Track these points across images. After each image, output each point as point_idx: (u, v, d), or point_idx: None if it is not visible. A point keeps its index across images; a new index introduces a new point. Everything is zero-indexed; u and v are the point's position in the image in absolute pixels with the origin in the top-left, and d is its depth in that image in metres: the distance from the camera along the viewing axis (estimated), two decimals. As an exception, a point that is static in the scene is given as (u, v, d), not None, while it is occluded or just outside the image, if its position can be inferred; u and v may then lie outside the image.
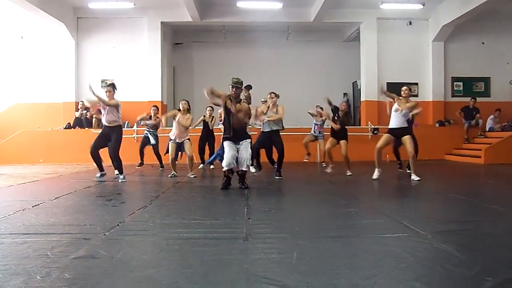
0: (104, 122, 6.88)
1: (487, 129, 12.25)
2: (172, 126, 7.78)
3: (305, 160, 9.42)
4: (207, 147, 9.52)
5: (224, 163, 5.77)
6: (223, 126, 6.02)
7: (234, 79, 5.86)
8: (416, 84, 12.75)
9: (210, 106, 9.24)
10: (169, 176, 7.48)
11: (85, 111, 11.81)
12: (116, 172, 7.28)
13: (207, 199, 5.22)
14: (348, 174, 7.51)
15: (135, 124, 11.34)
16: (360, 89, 13.29)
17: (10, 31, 12.57)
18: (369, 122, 12.19)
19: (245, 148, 5.78)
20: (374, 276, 2.31)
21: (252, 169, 8.19)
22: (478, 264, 2.50)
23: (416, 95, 12.53)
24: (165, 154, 8.26)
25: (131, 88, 12.22)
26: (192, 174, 7.50)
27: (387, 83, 12.13)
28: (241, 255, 2.69)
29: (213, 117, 9.47)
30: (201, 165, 9.34)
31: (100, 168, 7.01)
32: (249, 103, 8.60)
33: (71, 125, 11.97)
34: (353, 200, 5.14)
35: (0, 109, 12.64)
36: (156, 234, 3.38)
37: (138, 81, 12.43)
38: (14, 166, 10.26)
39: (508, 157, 10.32)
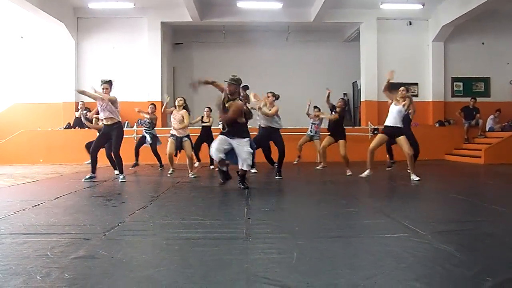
0: (103, 121, 6.87)
1: (487, 129, 12.25)
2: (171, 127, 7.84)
3: (294, 163, 9.41)
4: (206, 147, 9.50)
5: (210, 151, 5.85)
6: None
7: (230, 76, 5.86)
8: (416, 84, 12.76)
9: (208, 107, 9.25)
10: (168, 173, 7.48)
11: (85, 111, 11.80)
12: (116, 172, 7.27)
13: (207, 199, 5.22)
14: (348, 174, 7.51)
15: (135, 124, 11.35)
16: (360, 89, 13.29)
17: (10, 31, 12.56)
18: (369, 122, 12.19)
19: (243, 148, 5.68)
20: (374, 276, 2.31)
21: (253, 170, 8.19)
22: (478, 264, 2.50)
23: (416, 95, 12.54)
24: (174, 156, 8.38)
25: (131, 88, 12.23)
26: (193, 174, 7.50)
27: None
28: (241, 255, 2.69)
29: (211, 117, 9.42)
30: (197, 163, 9.32)
31: (93, 170, 6.92)
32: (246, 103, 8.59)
33: (71, 125, 11.97)
34: (353, 200, 5.14)
35: (0, 109, 12.65)
36: (156, 234, 3.39)
37: (138, 81, 12.43)
38: (14, 166, 10.26)
39: (508, 157, 10.32)
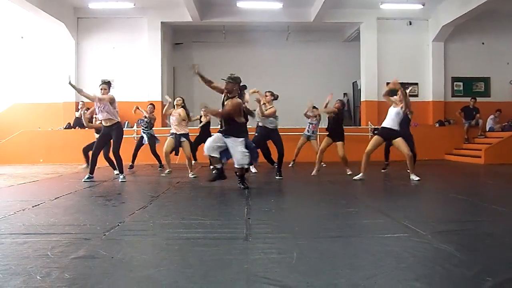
0: (102, 122, 6.86)
1: (487, 129, 12.25)
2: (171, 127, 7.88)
3: (290, 166, 9.38)
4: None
5: (204, 148, 5.79)
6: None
7: (228, 75, 5.83)
8: (416, 84, 12.75)
9: (206, 106, 9.22)
10: (164, 173, 7.47)
11: (85, 111, 11.79)
12: (116, 172, 7.27)
13: (207, 199, 5.22)
14: (348, 173, 7.50)
15: (135, 124, 11.35)
16: (360, 89, 13.29)
17: (10, 31, 12.57)
18: (369, 122, 12.19)
19: (237, 148, 5.59)
20: (374, 276, 2.31)
21: (253, 169, 8.19)
22: (478, 264, 2.50)
23: (416, 95, 12.56)
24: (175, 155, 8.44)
25: (131, 88, 12.24)
26: (193, 174, 7.50)
27: (387, 83, 12.12)
28: (241, 255, 2.69)
29: (208, 116, 9.39)
30: (193, 161, 9.30)
31: (92, 170, 6.91)
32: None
33: (71, 125, 11.98)
34: (353, 200, 5.14)
35: (0, 109, 12.65)
36: (156, 234, 3.39)
37: (138, 81, 12.43)
38: (14, 166, 10.26)
39: (508, 157, 10.32)
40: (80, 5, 11.82)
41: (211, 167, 9.06)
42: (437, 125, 12.58)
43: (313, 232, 3.41)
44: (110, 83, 7.00)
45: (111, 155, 7.21)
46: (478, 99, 12.42)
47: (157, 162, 9.17)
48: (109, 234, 3.26)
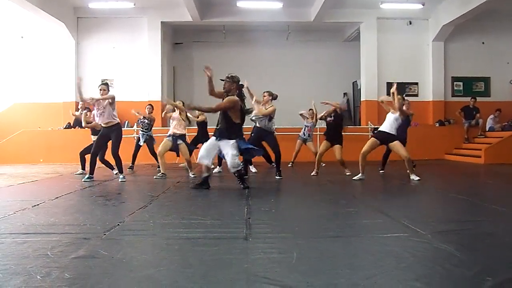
0: (101, 123, 6.86)
1: (487, 129, 12.25)
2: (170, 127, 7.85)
3: (289, 165, 9.38)
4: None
5: (199, 155, 5.78)
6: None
7: (226, 75, 5.79)
8: (416, 84, 12.77)
9: (190, 103, 9.23)
10: (158, 175, 7.30)
11: (85, 111, 11.78)
12: (116, 171, 7.27)
13: (207, 199, 5.21)
14: (347, 173, 7.49)
15: (135, 124, 11.34)
16: (360, 89, 13.29)
17: (10, 31, 12.57)
18: (369, 122, 12.19)
19: (228, 151, 5.55)
20: (374, 276, 2.31)
21: (253, 169, 8.20)
22: (478, 264, 2.50)
23: (416, 95, 12.57)
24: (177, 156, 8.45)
25: (131, 88, 12.24)
26: (193, 174, 7.50)
27: (387, 83, 12.17)
28: (241, 255, 2.69)
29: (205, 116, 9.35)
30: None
31: (91, 171, 6.91)
32: None
33: (71, 125, 11.97)
34: (352, 200, 5.14)
35: (0, 109, 12.65)
36: (156, 234, 3.38)
37: (138, 81, 12.43)
38: (14, 166, 10.26)
39: (508, 157, 10.32)
40: (80, 4, 11.83)
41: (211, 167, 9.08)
42: (437, 125, 12.58)
43: (313, 232, 3.41)
44: (108, 84, 7.07)
45: (107, 157, 7.26)
46: (478, 99, 12.42)
47: (156, 162, 9.15)
48: (109, 234, 3.26)
